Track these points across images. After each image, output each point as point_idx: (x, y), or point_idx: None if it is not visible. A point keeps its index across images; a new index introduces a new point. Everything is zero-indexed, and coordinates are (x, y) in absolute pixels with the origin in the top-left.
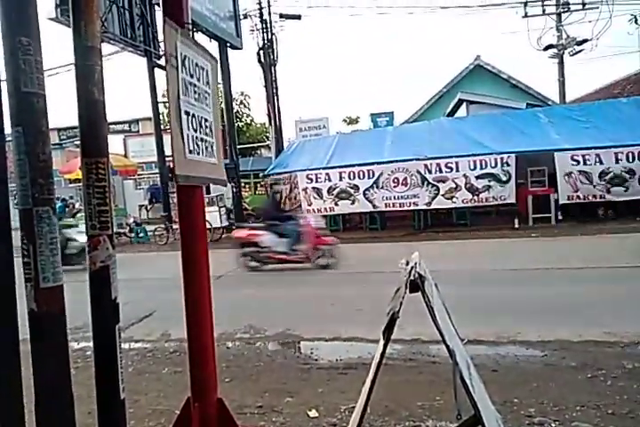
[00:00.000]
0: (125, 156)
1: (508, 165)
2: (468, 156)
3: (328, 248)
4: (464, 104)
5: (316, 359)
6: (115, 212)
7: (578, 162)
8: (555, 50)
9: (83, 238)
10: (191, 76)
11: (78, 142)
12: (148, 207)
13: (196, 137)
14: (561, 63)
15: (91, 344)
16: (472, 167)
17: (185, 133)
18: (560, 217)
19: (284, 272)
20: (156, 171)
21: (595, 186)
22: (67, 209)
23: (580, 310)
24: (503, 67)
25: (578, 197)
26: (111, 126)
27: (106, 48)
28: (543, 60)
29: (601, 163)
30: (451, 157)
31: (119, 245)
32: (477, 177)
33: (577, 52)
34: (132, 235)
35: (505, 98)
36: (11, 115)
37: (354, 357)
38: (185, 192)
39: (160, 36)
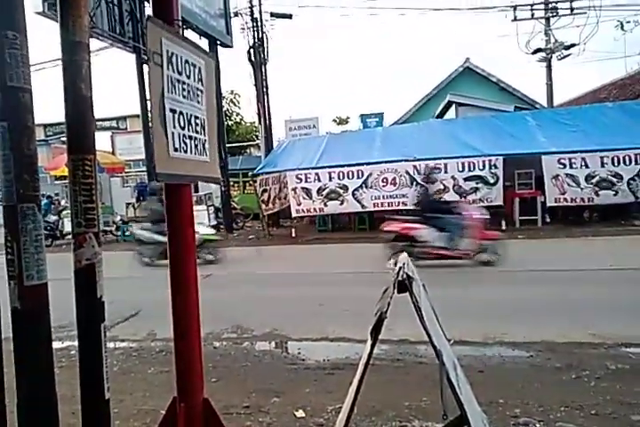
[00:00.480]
0: (113, 153)
1: (496, 167)
2: (457, 157)
3: (491, 244)
4: (453, 106)
5: (304, 360)
6: (101, 209)
7: (564, 165)
8: (543, 53)
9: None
10: (179, 73)
11: (64, 139)
12: (136, 205)
13: (184, 135)
14: (549, 67)
15: (75, 343)
16: (460, 169)
17: (170, 131)
18: (548, 219)
19: (272, 273)
20: (144, 169)
21: (582, 189)
22: (52, 206)
23: (565, 312)
24: (492, 69)
25: (565, 199)
26: (98, 123)
27: (94, 44)
28: (532, 63)
29: (587, 166)
30: (439, 158)
31: (105, 244)
32: (465, 179)
33: (564, 57)
34: (119, 233)
35: (494, 100)
36: None
37: (341, 357)
38: (172, 191)
39: None
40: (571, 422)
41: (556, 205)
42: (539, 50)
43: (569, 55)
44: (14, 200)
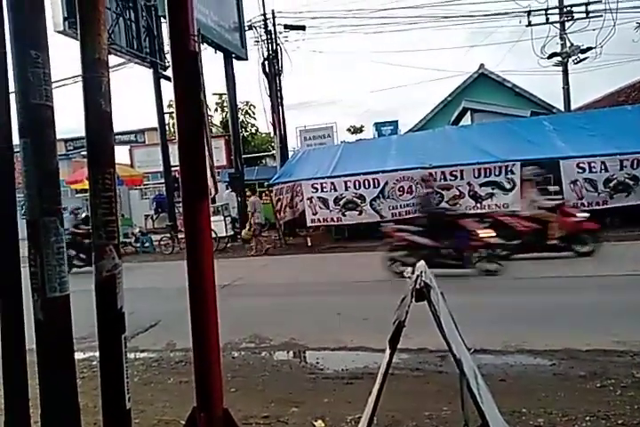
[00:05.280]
0: (131, 166)
1: (513, 173)
2: (473, 164)
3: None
4: (468, 112)
5: (322, 369)
6: (120, 221)
7: (583, 169)
8: (559, 58)
9: None
10: None
11: (85, 153)
12: (154, 217)
13: None
14: (565, 71)
15: (97, 354)
16: (476, 175)
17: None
18: None
19: (290, 282)
20: (162, 180)
21: (599, 193)
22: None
23: (588, 319)
24: (507, 75)
25: (582, 204)
26: (117, 137)
27: (113, 60)
28: (548, 68)
29: (606, 170)
30: (455, 165)
31: (125, 255)
32: (481, 185)
33: (581, 60)
34: (138, 244)
35: (509, 106)
36: (19, 126)
37: (360, 366)
38: (190, 202)
39: (166, 48)
40: None
41: None
42: (554, 54)
43: (585, 59)
44: (37, 214)
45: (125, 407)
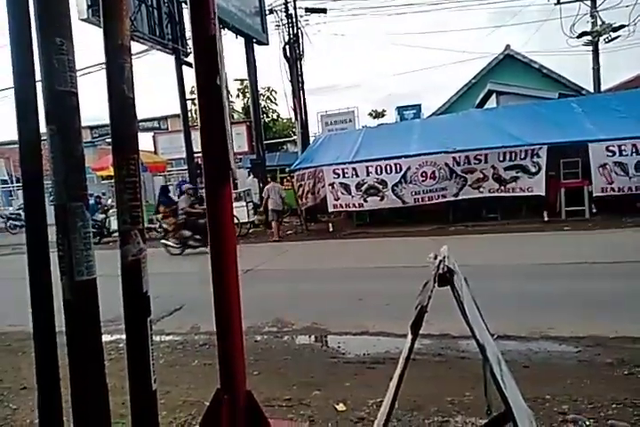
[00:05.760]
0: (155, 152)
1: (539, 156)
2: (498, 148)
3: None
4: (494, 95)
5: (344, 353)
6: (145, 207)
7: (613, 153)
8: (589, 37)
9: None
10: None
11: (110, 140)
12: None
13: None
14: (595, 51)
15: (123, 336)
16: (501, 159)
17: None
18: (594, 210)
19: (312, 267)
20: (185, 167)
21: (630, 178)
22: (98, 206)
23: (616, 306)
24: (534, 56)
25: (612, 189)
26: (141, 124)
27: (135, 47)
28: (577, 48)
29: (637, 153)
30: (480, 149)
31: (149, 241)
32: (506, 168)
33: (612, 39)
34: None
35: (536, 88)
36: (45, 113)
37: (381, 351)
38: (213, 188)
39: (188, 34)
40: (623, 420)
41: (603, 194)
42: (584, 33)
43: (617, 37)
44: (64, 199)
45: (151, 388)
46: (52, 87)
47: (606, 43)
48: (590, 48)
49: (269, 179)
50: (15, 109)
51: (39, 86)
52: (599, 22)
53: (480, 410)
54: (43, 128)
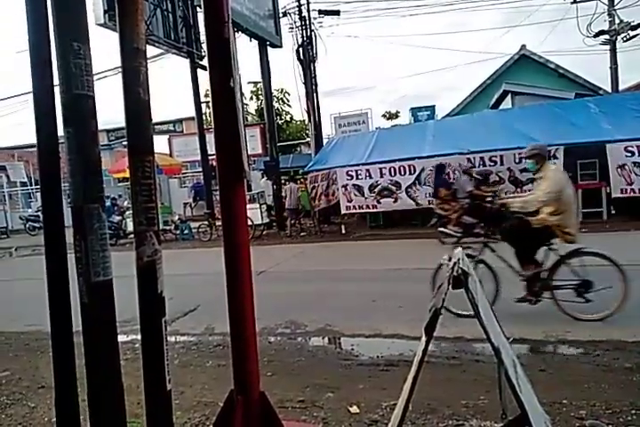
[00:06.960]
0: (170, 155)
1: (555, 157)
2: (513, 149)
3: None
4: (509, 95)
5: (357, 356)
6: (160, 209)
7: (632, 153)
8: (607, 36)
9: None
10: None
11: (126, 143)
12: (192, 205)
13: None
14: (613, 50)
15: (139, 337)
16: (517, 161)
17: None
18: (613, 211)
19: (325, 269)
20: (200, 169)
21: None
22: (114, 207)
23: (634, 310)
24: (550, 56)
25: (632, 190)
26: (156, 127)
27: (151, 51)
28: (594, 47)
29: None
30: (495, 150)
31: (165, 242)
32: (522, 170)
33: (630, 38)
34: (177, 232)
35: (552, 88)
36: (63, 116)
37: (395, 354)
38: (227, 190)
39: (202, 37)
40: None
41: (622, 196)
42: (602, 32)
43: (636, 36)
44: (81, 201)
45: (166, 388)
46: (70, 91)
47: (624, 42)
48: (608, 47)
49: (288, 180)
50: (34, 113)
51: (57, 90)
52: (617, 21)
53: (495, 414)
54: (60, 131)
